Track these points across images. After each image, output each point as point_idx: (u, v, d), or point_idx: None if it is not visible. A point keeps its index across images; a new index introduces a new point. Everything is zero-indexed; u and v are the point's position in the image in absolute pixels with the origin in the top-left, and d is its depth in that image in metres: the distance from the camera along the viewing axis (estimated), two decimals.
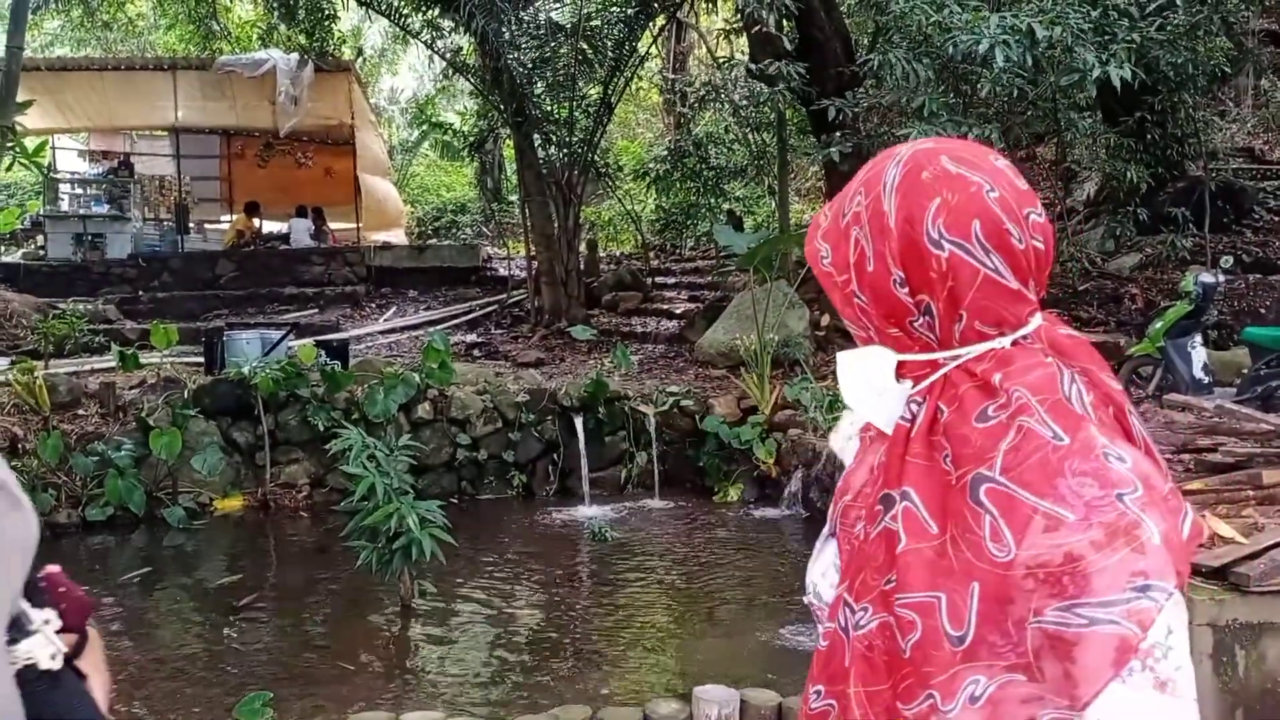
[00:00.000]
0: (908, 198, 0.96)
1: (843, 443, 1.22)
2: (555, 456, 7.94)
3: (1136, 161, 8.94)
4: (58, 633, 1.12)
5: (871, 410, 1.03)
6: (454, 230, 19.49)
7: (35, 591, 1.12)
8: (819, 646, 1.05)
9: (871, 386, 1.02)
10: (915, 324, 0.97)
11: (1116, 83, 6.43)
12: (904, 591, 0.91)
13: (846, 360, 1.06)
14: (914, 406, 0.98)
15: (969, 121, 7.05)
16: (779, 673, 4.35)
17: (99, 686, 1.19)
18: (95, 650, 1.22)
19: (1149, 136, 9.75)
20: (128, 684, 4.38)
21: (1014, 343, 0.96)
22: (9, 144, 5.95)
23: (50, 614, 1.11)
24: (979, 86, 7.56)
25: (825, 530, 1.17)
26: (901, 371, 1.00)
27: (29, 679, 1.05)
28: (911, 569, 0.91)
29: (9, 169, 6.61)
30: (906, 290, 0.96)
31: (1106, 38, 6.74)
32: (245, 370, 7.53)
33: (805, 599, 1.16)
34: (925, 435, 0.95)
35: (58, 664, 1.09)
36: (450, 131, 18.79)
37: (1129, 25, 6.89)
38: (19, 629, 1.07)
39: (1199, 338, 6.76)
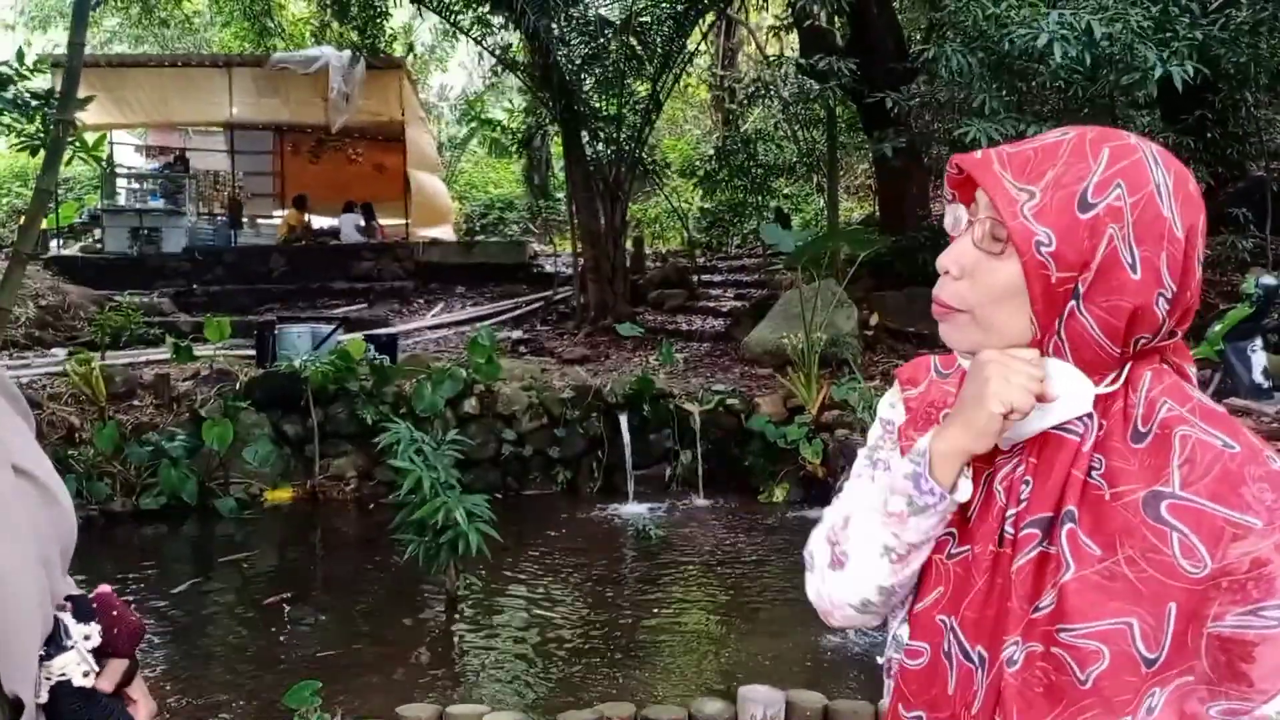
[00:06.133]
0: (1186, 208, 0.91)
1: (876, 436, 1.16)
2: (599, 453, 7.93)
3: (1196, 161, 8.73)
4: (106, 655, 1.11)
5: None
6: (501, 227, 19.58)
7: (83, 608, 1.11)
8: (906, 665, 1.01)
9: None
10: (1139, 342, 0.92)
11: (1178, 82, 6.30)
12: (1077, 621, 0.87)
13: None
14: (1085, 421, 0.93)
15: (1025, 119, 6.94)
16: (824, 674, 4.32)
17: (144, 713, 1.18)
18: (140, 680, 1.20)
19: (1209, 135, 9.54)
20: (176, 671, 4.46)
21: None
22: (70, 139, 6.07)
23: (92, 629, 1.10)
24: (1034, 83, 7.43)
25: None
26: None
27: (62, 695, 1.04)
28: (1083, 596, 0.88)
29: (69, 163, 6.74)
30: (1168, 307, 0.90)
31: (1167, 35, 6.60)
32: (296, 363, 7.62)
33: (882, 659, 1.10)
34: (1087, 452, 0.92)
35: (89, 682, 1.07)
36: (499, 128, 18.86)
37: (1190, 23, 6.74)
38: (55, 644, 1.05)
39: (1259, 341, 6.61)
